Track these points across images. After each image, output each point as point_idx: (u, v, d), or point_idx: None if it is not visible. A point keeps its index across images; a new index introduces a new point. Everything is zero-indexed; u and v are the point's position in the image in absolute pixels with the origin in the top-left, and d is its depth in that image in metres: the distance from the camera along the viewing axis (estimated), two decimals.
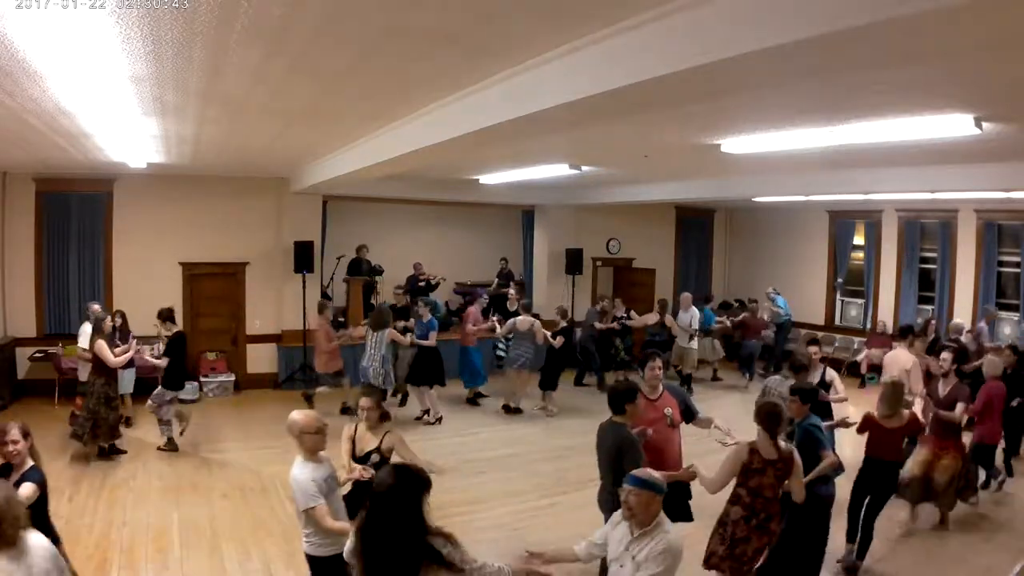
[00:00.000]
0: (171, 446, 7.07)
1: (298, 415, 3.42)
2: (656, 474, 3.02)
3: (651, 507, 2.84)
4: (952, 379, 5.73)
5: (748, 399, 9.76)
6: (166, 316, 7.22)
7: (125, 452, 6.87)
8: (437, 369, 8.59)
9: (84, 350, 7.20)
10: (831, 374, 5.89)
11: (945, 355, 5.86)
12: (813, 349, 6.06)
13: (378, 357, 8.00)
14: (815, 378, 5.84)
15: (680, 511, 4.83)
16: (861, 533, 4.82)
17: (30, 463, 3.46)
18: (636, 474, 2.94)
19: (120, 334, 7.95)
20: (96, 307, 7.59)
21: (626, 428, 4.08)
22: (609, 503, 3.97)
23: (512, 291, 10.51)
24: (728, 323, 11.72)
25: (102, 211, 9.29)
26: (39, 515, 3.32)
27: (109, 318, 7.06)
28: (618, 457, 3.98)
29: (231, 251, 9.89)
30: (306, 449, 3.38)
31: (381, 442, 3.96)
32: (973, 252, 10.45)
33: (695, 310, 10.52)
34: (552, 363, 9.27)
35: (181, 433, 7.26)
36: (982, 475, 6.10)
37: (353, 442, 4.02)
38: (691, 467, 4.07)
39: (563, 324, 9.41)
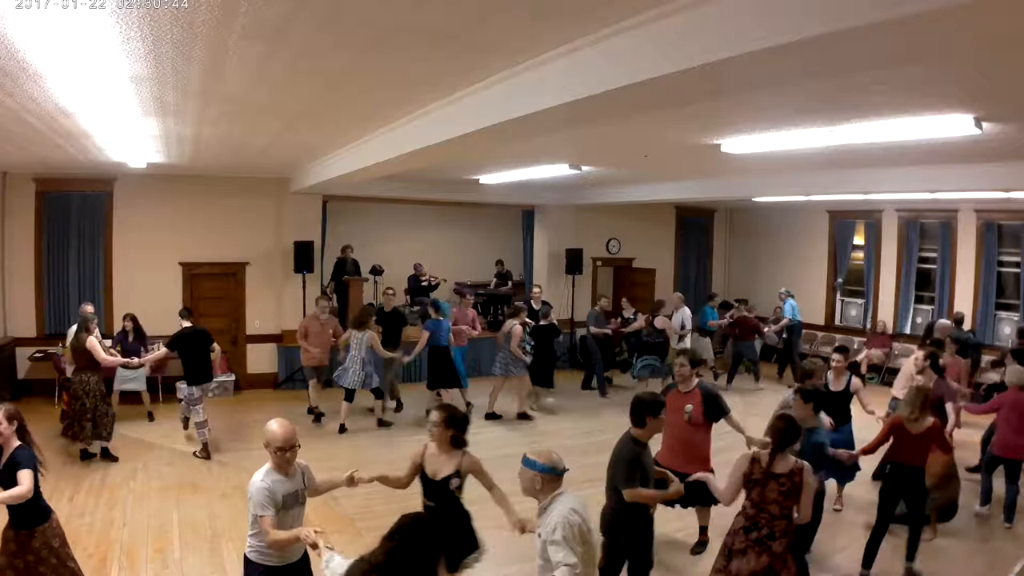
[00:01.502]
0: (204, 453, 6.94)
1: (275, 425, 3.19)
2: (556, 457, 3.12)
3: (534, 483, 3.04)
4: (931, 375, 5.69)
5: (734, 401, 9.78)
6: (180, 314, 7.37)
7: (116, 459, 6.76)
8: (449, 371, 8.49)
9: (64, 348, 7.34)
10: (856, 383, 5.79)
11: (918, 353, 5.83)
12: (837, 357, 5.97)
13: (358, 359, 7.91)
14: (840, 386, 5.81)
15: (702, 495, 4.81)
16: (908, 539, 4.74)
17: (16, 443, 3.48)
18: (526, 453, 3.14)
19: (134, 336, 8.01)
20: (89, 308, 7.55)
21: (635, 443, 3.81)
22: (607, 517, 3.86)
23: (536, 290, 10.28)
24: (721, 324, 11.59)
25: (102, 211, 9.29)
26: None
27: (95, 320, 7.03)
28: (614, 470, 3.81)
29: (231, 251, 9.89)
30: (273, 461, 3.20)
31: (460, 464, 3.69)
32: (973, 252, 10.45)
33: (686, 310, 10.44)
34: (538, 360, 9.13)
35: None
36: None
37: (421, 462, 3.75)
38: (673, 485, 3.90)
39: (543, 322, 9.35)
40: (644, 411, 3.78)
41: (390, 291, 9.24)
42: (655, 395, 4.03)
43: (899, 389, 6.47)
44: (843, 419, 5.66)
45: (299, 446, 3.21)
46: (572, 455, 6.89)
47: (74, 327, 7.49)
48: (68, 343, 7.34)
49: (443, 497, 3.69)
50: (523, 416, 8.83)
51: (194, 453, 6.99)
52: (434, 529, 2.41)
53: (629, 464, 3.73)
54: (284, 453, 3.14)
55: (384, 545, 2.32)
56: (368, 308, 8.68)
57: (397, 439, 7.80)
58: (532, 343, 9.05)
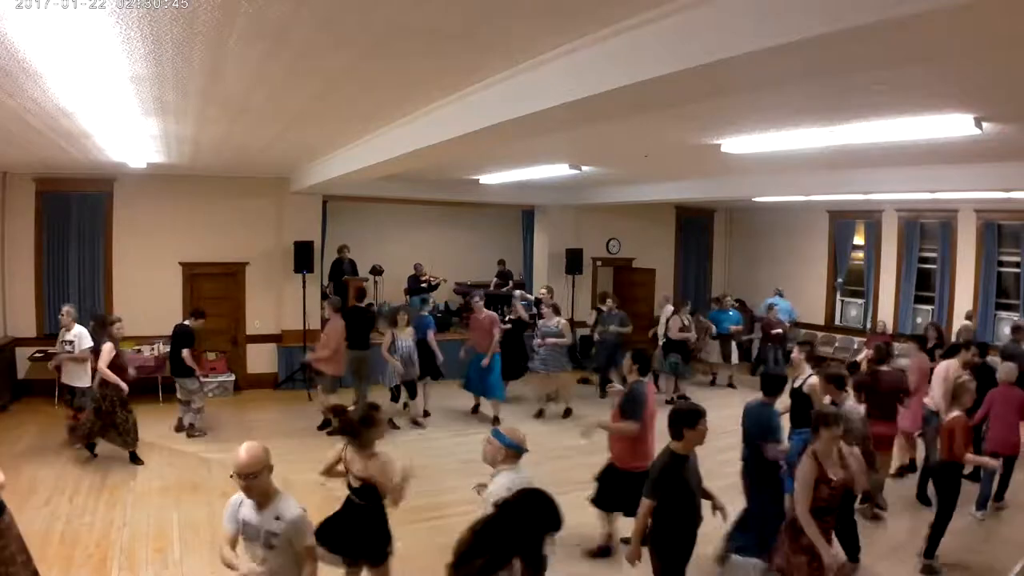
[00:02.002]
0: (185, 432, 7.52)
1: (243, 451, 2.93)
2: (521, 436, 3.47)
3: (497, 455, 3.40)
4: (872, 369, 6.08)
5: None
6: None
7: (143, 463, 6.73)
8: (430, 363, 8.55)
9: (72, 353, 6.82)
10: (810, 383, 5.35)
11: (953, 362, 6.09)
12: (795, 349, 6.03)
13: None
14: (798, 382, 5.61)
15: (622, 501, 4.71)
16: (930, 535, 4.87)
17: None
18: (498, 428, 3.54)
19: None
20: (69, 308, 7.13)
21: (672, 456, 3.56)
22: (659, 539, 3.60)
23: (543, 292, 10.08)
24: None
25: (102, 211, 9.29)
26: None
27: (116, 324, 6.88)
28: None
29: (231, 251, 9.88)
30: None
31: (366, 467, 3.71)
32: (973, 252, 10.45)
33: (669, 308, 10.42)
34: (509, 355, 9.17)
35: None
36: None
37: (346, 464, 3.80)
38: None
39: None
40: (680, 423, 3.54)
41: (360, 289, 9.10)
42: (692, 405, 3.77)
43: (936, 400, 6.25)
44: (800, 421, 5.15)
45: (252, 476, 2.90)
46: (578, 455, 6.93)
47: (70, 331, 7.32)
48: (74, 348, 7.20)
49: (369, 496, 3.74)
50: (539, 414, 8.92)
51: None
52: (546, 506, 2.40)
53: (656, 476, 3.56)
54: (238, 478, 2.90)
55: (490, 513, 2.47)
56: (396, 308, 8.66)
57: (429, 435, 7.95)
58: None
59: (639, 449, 4.76)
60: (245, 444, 3.01)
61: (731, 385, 11.05)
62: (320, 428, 8.03)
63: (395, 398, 8.32)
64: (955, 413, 4.80)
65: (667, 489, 3.53)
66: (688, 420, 3.52)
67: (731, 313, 11.35)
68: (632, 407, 4.78)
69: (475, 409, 8.99)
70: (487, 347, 8.47)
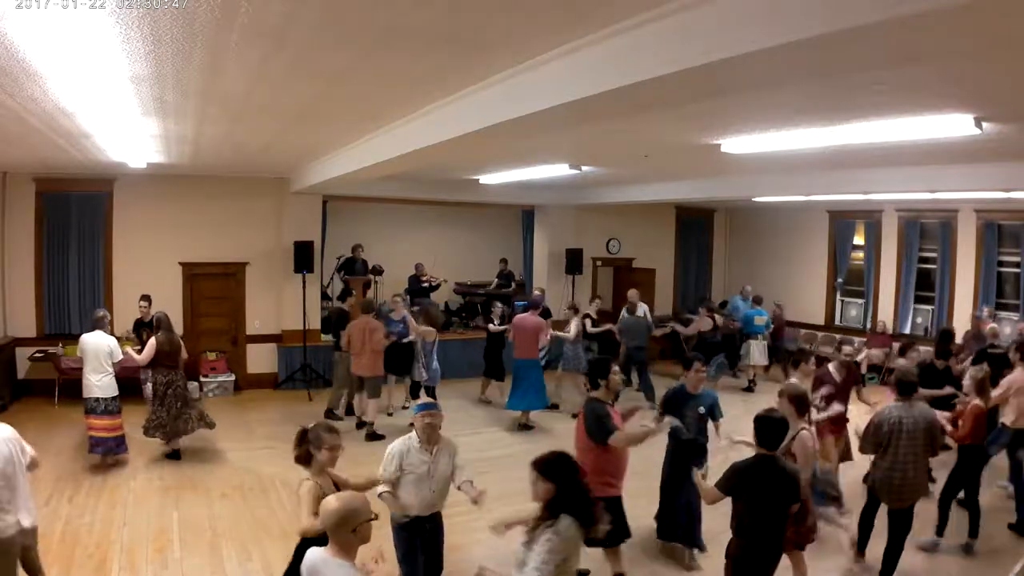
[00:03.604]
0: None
1: (335, 502, 2.54)
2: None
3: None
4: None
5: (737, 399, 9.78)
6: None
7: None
8: (403, 361, 8.59)
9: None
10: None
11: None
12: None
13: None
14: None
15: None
16: (971, 513, 5.24)
17: None
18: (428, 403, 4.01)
19: None
20: (100, 312, 7.05)
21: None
22: (767, 547, 3.56)
23: (537, 294, 10.15)
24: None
25: (102, 211, 9.29)
26: None
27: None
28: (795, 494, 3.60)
29: (231, 251, 9.89)
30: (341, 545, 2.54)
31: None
32: (973, 252, 10.45)
33: (644, 306, 10.36)
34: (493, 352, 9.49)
35: None
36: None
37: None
38: None
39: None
40: (784, 432, 3.67)
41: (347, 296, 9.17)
42: (778, 413, 3.80)
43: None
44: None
45: (376, 517, 2.63)
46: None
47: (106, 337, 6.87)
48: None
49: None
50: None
51: None
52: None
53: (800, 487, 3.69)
54: (356, 533, 2.56)
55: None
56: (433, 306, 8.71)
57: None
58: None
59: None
60: (336, 498, 2.62)
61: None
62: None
63: (415, 395, 8.33)
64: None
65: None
66: (786, 429, 3.74)
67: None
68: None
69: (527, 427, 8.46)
70: (532, 355, 8.47)
